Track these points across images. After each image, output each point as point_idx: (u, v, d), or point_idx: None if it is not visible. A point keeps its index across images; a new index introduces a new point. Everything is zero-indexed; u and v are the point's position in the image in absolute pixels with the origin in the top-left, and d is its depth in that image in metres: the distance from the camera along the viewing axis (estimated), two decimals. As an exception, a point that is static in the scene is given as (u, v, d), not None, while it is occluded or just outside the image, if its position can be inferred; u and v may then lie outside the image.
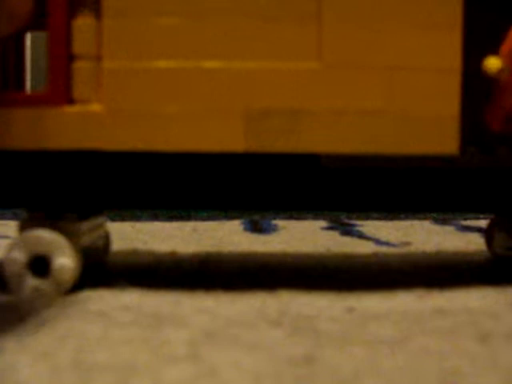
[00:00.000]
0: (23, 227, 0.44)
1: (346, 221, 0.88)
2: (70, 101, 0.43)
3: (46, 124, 0.43)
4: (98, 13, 0.42)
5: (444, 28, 0.42)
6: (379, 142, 0.43)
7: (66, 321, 0.38)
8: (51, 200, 0.45)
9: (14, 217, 0.81)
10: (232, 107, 0.42)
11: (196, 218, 0.89)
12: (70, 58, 0.43)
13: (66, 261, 0.43)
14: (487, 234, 0.57)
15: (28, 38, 0.53)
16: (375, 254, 0.61)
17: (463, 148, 0.43)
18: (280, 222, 0.86)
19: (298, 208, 0.46)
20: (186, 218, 0.89)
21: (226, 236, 0.74)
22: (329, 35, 0.42)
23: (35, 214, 0.45)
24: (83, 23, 0.43)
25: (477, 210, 0.46)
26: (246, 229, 0.80)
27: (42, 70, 0.53)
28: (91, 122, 0.43)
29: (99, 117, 0.43)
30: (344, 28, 0.42)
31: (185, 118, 0.43)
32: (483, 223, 0.74)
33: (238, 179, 0.45)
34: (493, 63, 0.41)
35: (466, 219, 0.86)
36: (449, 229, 0.81)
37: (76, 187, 0.44)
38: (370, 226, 0.82)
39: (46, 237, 0.44)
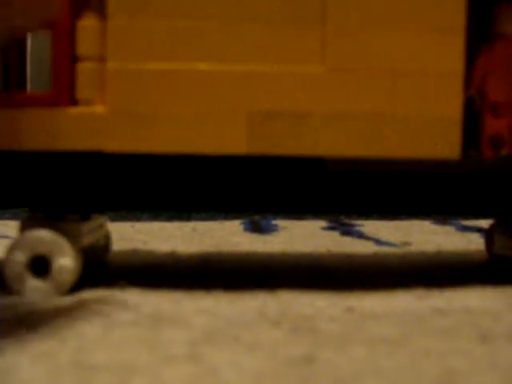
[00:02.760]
0: (24, 227, 0.44)
1: (346, 221, 0.88)
2: (74, 102, 0.43)
3: (50, 125, 0.43)
4: (102, 14, 0.43)
5: (447, 32, 0.42)
6: (382, 146, 0.43)
7: (66, 321, 0.38)
8: (53, 200, 0.45)
9: (13, 217, 0.81)
10: (235, 110, 0.42)
11: (196, 218, 0.89)
12: (74, 58, 0.43)
13: (66, 261, 0.43)
14: (487, 236, 0.57)
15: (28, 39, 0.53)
16: (375, 254, 0.61)
17: (464, 152, 0.43)
18: (280, 222, 0.86)
19: (301, 211, 0.45)
20: (186, 218, 0.89)
21: (225, 236, 0.74)
22: (332, 39, 0.42)
23: (36, 215, 0.45)
24: (87, 24, 0.43)
25: (477, 214, 0.46)
26: (246, 229, 0.80)
27: (41, 71, 0.53)
28: (94, 123, 0.43)
29: (102, 118, 0.43)
30: (348, 32, 0.42)
31: (188, 119, 0.43)
32: (483, 223, 0.74)
33: (241, 181, 0.45)
34: None
35: (466, 219, 0.86)
36: (449, 229, 0.81)
37: (78, 188, 0.44)
38: (370, 226, 0.82)
39: (47, 237, 0.44)
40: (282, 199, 0.45)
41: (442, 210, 0.45)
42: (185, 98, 0.43)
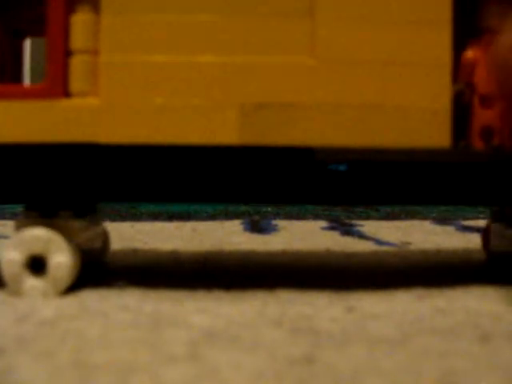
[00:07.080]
0: (19, 226, 0.44)
1: (346, 221, 0.88)
2: (67, 94, 0.43)
3: (43, 117, 0.43)
4: (96, 8, 0.43)
5: (434, 23, 0.43)
6: (371, 136, 0.43)
7: (66, 321, 0.38)
8: (47, 197, 0.45)
9: (13, 217, 0.81)
10: (227, 101, 0.43)
11: (196, 218, 0.89)
12: (68, 51, 0.43)
13: (62, 258, 0.43)
14: (484, 234, 0.57)
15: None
16: (375, 254, 0.61)
17: (455, 142, 0.44)
18: (280, 222, 0.86)
19: (293, 202, 0.46)
20: (186, 217, 0.89)
21: (226, 236, 0.74)
22: (322, 30, 0.43)
23: (30, 213, 0.45)
24: (81, 18, 0.43)
25: (470, 203, 0.46)
26: (246, 229, 0.80)
27: (40, 69, 0.53)
28: (88, 115, 0.43)
29: (96, 110, 0.43)
30: (337, 23, 0.43)
31: (180, 111, 0.43)
32: (483, 223, 0.74)
33: (233, 173, 0.45)
34: None
35: (466, 219, 0.86)
36: (449, 229, 0.81)
37: (72, 183, 0.44)
38: (370, 226, 0.82)
39: (42, 235, 0.44)
40: (274, 190, 0.45)
41: (436, 200, 0.45)
42: (177, 89, 0.43)
